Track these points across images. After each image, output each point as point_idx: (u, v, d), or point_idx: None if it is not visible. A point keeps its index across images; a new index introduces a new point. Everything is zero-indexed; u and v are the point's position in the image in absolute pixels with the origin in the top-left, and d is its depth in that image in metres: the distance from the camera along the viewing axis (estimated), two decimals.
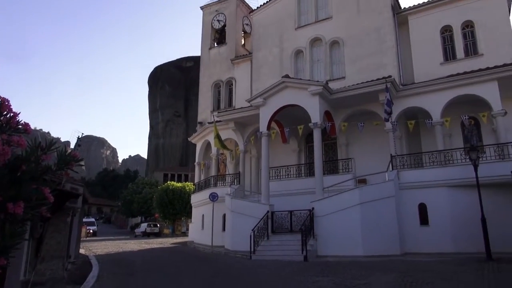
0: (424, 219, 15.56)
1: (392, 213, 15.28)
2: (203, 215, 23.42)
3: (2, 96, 2.16)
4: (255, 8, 26.41)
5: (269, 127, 19.19)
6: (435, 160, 16.37)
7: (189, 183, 43.60)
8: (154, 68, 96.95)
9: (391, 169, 16.63)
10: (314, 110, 17.76)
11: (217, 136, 21.01)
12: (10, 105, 2.17)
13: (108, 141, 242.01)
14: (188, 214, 36.98)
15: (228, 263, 14.68)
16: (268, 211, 17.12)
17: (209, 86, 27.83)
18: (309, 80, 19.93)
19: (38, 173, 2.17)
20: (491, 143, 16.45)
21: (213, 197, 20.48)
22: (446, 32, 20.08)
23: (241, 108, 21.76)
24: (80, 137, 30.91)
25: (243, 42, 29.36)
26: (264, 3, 25.72)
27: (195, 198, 25.49)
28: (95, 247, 23.62)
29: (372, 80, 17.99)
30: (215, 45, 29.16)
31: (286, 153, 21.81)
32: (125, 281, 11.21)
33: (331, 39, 22.27)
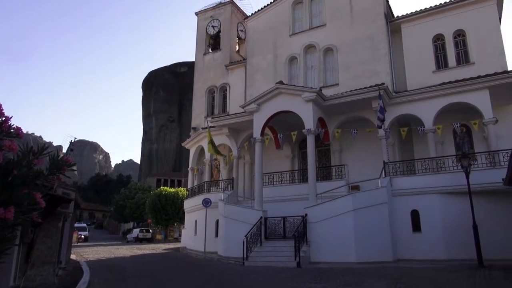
0: (416, 226, 15.62)
1: (385, 219, 15.33)
2: (196, 220, 23.32)
3: None
4: (250, 14, 26.56)
5: (262, 133, 19.22)
6: (427, 167, 16.49)
7: (182, 189, 43.42)
8: (148, 73, 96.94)
9: (384, 175, 16.72)
10: (308, 116, 17.83)
11: (211, 142, 20.99)
12: (2, 109, 2.16)
13: (101, 146, 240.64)
14: (181, 220, 36.83)
15: (221, 269, 14.61)
16: (261, 217, 17.09)
17: (203, 92, 27.85)
18: (303, 86, 20.03)
19: (30, 178, 2.16)
20: (482, 150, 16.63)
21: (206, 203, 20.41)
22: (438, 41, 20.33)
23: (235, 114, 21.78)
24: (72, 141, 30.67)
25: (237, 48, 29.47)
26: (258, 10, 25.88)
27: (188, 204, 25.38)
28: (86, 253, 23.39)
29: (366, 87, 18.12)
30: (210, 50, 29.24)
31: (280, 159, 21.83)
32: (117, 287, 11.11)
33: (325, 46, 22.44)
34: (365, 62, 20.75)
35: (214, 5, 29.74)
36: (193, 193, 24.78)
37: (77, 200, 14.60)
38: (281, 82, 19.65)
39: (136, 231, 44.29)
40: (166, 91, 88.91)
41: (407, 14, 21.01)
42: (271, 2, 25.44)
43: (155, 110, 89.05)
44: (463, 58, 19.57)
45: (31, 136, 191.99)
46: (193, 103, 28.68)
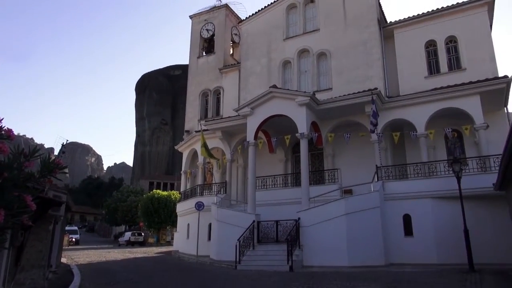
0: (408, 230, 15.70)
1: (377, 223, 15.38)
2: (188, 224, 23.22)
3: None
4: (244, 18, 26.62)
5: (256, 137, 19.23)
6: (419, 171, 16.60)
7: (175, 192, 43.22)
8: (142, 76, 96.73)
9: (376, 180, 16.80)
10: (301, 120, 17.88)
11: (204, 145, 20.95)
12: None
13: (93, 148, 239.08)
14: (173, 223, 36.59)
15: (213, 273, 14.54)
16: (254, 221, 17.07)
17: (197, 95, 27.82)
18: (296, 90, 20.09)
19: (21, 180, 2.14)
20: (473, 155, 16.78)
21: (199, 206, 20.34)
22: (431, 47, 20.54)
23: (229, 117, 21.78)
24: (64, 143, 30.45)
25: (231, 52, 29.50)
26: (253, 14, 25.95)
27: (180, 207, 25.26)
28: (77, 256, 23.15)
29: (359, 92, 18.22)
30: (204, 54, 29.24)
31: (273, 163, 21.84)
32: None
33: (319, 50, 22.56)
34: (358, 67, 20.89)
35: (209, 8, 29.80)
36: (185, 196, 24.68)
37: (68, 203, 14.46)
38: (274, 86, 19.70)
39: (128, 235, 43.95)
40: (160, 94, 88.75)
41: (400, 20, 21.21)
42: (265, 6, 25.54)
43: (148, 113, 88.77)
44: (454, 64, 19.78)
45: (23, 138, 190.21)
46: (186, 106, 28.62)
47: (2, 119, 2.18)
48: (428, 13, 20.40)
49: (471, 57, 19.02)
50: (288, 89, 20.31)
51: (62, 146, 30.09)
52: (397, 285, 10.41)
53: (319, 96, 19.33)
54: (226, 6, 29.21)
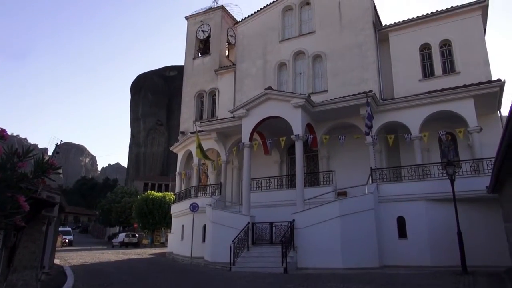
0: (402, 232, 15.76)
1: (371, 225, 15.43)
2: (183, 225, 23.15)
3: None
4: (240, 20, 26.65)
5: (251, 138, 19.23)
6: (413, 174, 16.69)
7: (169, 193, 43.08)
8: (137, 77, 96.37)
9: (370, 182, 16.85)
10: (296, 122, 17.91)
11: (199, 146, 20.91)
12: None
13: (88, 149, 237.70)
14: (168, 225, 36.50)
15: (208, 274, 14.50)
16: (248, 223, 17.05)
17: (192, 96, 27.79)
18: (292, 92, 20.14)
19: (14, 181, 2.13)
20: (467, 158, 16.91)
21: (194, 208, 20.30)
22: (425, 50, 20.68)
23: (224, 118, 21.77)
24: (58, 144, 30.26)
25: (227, 53, 29.53)
26: (249, 16, 26.00)
27: (175, 208, 25.19)
28: (70, 257, 22.99)
29: (354, 94, 18.30)
30: (199, 55, 29.24)
31: (268, 165, 21.85)
32: None
33: (314, 53, 22.64)
34: (353, 69, 20.99)
35: (205, 9, 29.81)
36: (180, 197, 24.61)
37: (62, 204, 14.38)
38: (270, 88, 19.73)
39: (122, 236, 43.73)
40: (155, 95, 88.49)
41: (395, 23, 21.35)
42: (261, 8, 25.61)
43: (143, 114, 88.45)
44: (449, 67, 19.93)
45: (16, 138, 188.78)
46: (181, 107, 28.58)
47: None
48: (423, 17, 20.56)
49: (465, 61, 19.17)
50: (283, 91, 20.33)
51: (56, 147, 29.91)
52: (391, 287, 10.44)
53: (315, 98, 19.38)
54: (222, 7, 29.25)
